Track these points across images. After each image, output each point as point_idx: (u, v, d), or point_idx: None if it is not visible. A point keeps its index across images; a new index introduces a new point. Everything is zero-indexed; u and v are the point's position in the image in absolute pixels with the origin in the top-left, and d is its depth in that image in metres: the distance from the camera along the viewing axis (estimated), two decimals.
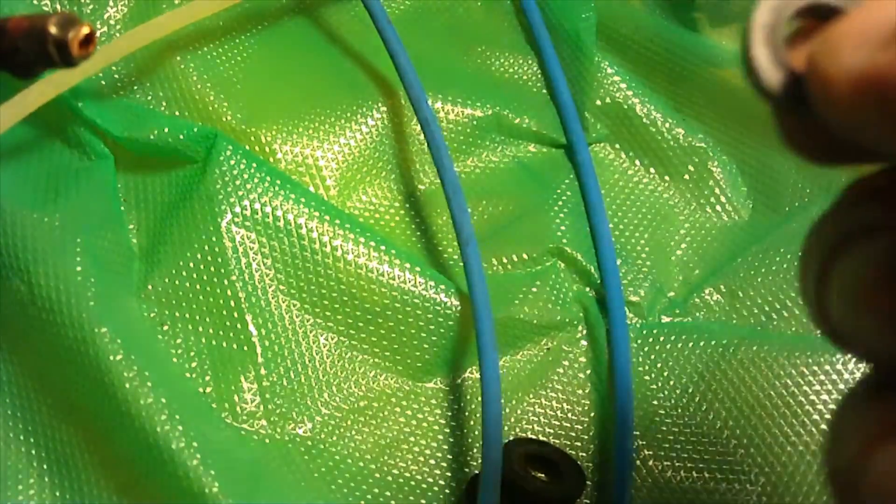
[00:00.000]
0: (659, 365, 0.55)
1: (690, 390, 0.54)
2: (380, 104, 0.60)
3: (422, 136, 0.58)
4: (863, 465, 0.25)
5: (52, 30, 0.34)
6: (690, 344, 0.55)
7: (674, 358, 0.55)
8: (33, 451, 0.48)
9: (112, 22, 0.57)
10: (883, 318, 0.24)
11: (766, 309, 0.57)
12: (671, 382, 0.55)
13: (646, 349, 0.56)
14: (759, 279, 0.58)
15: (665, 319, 0.58)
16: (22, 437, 0.48)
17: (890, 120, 0.21)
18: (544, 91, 0.66)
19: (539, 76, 0.66)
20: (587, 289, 0.58)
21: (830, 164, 0.26)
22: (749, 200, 0.63)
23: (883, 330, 0.24)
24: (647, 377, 0.55)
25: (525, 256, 0.57)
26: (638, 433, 0.53)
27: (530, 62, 0.67)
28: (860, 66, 0.21)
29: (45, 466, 0.47)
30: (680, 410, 0.54)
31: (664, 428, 0.54)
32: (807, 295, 0.27)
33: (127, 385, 0.45)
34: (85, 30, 0.34)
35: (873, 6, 0.22)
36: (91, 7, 0.57)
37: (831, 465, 0.26)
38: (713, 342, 0.55)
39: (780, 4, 0.24)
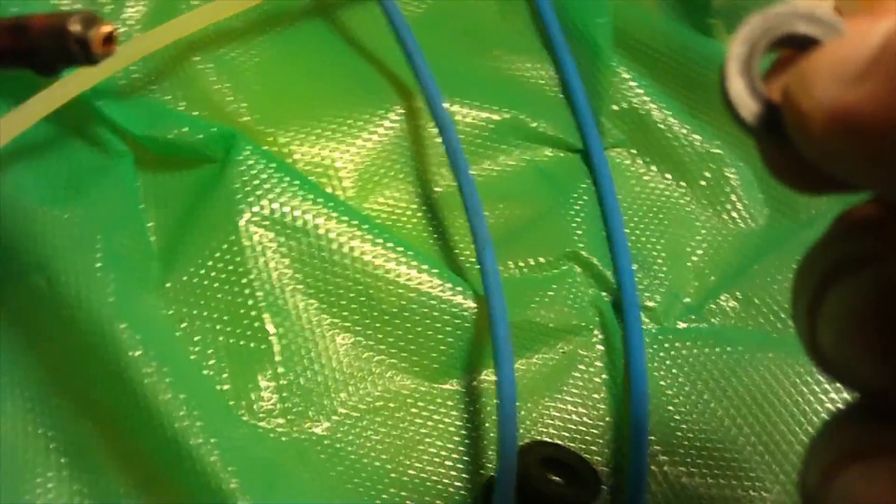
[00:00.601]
0: (674, 370, 0.55)
1: (706, 396, 0.55)
2: (397, 107, 0.60)
3: (438, 139, 0.58)
4: (824, 488, 0.25)
5: (74, 28, 0.34)
6: (706, 350, 0.56)
7: (689, 364, 0.55)
8: (52, 446, 0.48)
9: (131, 22, 0.58)
10: (872, 350, 0.24)
11: (783, 316, 0.58)
12: (686, 388, 0.55)
13: (661, 354, 0.56)
14: (776, 286, 0.59)
15: (680, 325, 0.58)
16: (40, 431, 0.48)
17: (863, 155, 0.21)
18: (560, 95, 0.66)
19: (555, 80, 0.66)
20: (603, 293, 0.58)
21: (813, 192, 0.25)
22: (765, 207, 0.62)
23: (871, 362, 0.24)
24: (662, 382, 0.55)
25: (541, 260, 0.57)
26: (653, 438, 0.53)
27: (546, 66, 0.67)
28: (832, 102, 0.21)
29: (63, 460, 0.47)
30: (695, 416, 0.54)
31: (679, 433, 0.54)
32: (798, 324, 0.27)
33: (146, 381, 0.45)
34: (106, 28, 0.35)
35: (847, 39, 0.23)
36: (110, 7, 0.57)
37: (801, 485, 0.26)
38: (729, 348, 0.55)
39: (755, 35, 0.24)
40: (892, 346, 0.23)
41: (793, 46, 0.25)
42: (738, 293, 0.59)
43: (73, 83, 0.49)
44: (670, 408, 0.54)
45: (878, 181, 0.22)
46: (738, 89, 0.24)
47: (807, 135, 0.22)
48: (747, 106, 0.24)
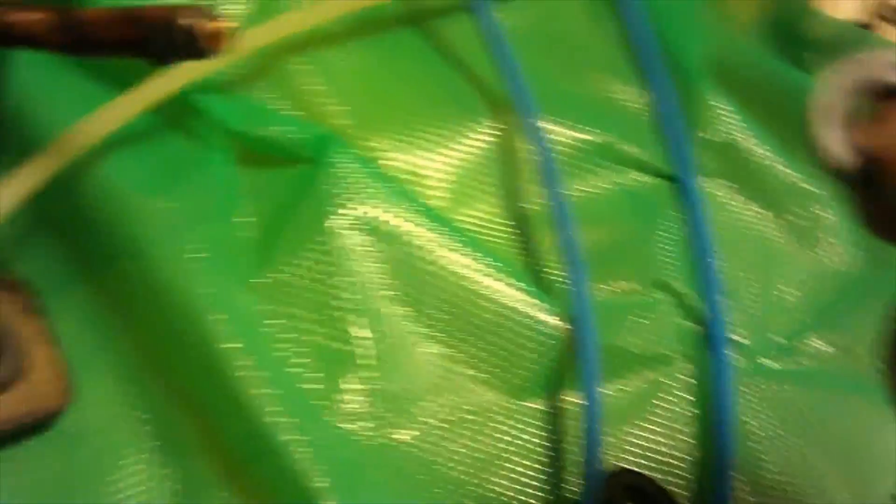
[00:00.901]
0: (761, 408, 0.55)
1: (793, 436, 0.54)
2: (493, 121, 0.59)
3: (531, 156, 0.57)
4: None
5: (187, 21, 0.34)
6: (796, 390, 0.55)
7: (778, 402, 0.55)
8: (143, 428, 0.48)
9: (233, 19, 0.57)
10: None
11: (874, 362, 0.56)
12: (773, 426, 0.54)
13: (748, 390, 0.55)
14: (868, 332, 0.57)
15: (769, 362, 0.57)
16: (133, 413, 0.48)
17: None
18: (653, 120, 0.65)
19: (649, 105, 0.66)
20: (691, 324, 0.57)
21: None
22: (861, 250, 0.61)
23: None
24: (747, 418, 0.54)
25: (630, 286, 0.57)
26: (736, 472, 0.52)
27: (641, 90, 0.66)
28: None
29: (152, 443, 0.48)
30: (781, 455, 0.53)
31: (761, 471, 0.53)
32: (887, 373, 0.26)
33: (238, 374, 0.45)
34: (219, 24, 0.35)
35: None
36: (215, 3, 0.57)
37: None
38: (820, 391, 0.55)
39: (846, 83, 0.23)
40: None
41: (885, 95, 0.24)
42: (830, 336, 0.58)
43: (179, 75, 0.49)
44: (755, 444, 0.53)
45: None
46: (829, 139, 0.24)
47: None
48: (838, 156, 0.23)
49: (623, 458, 0.52)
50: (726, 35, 0.69)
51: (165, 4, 0.37)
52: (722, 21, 0.69)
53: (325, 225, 0.51)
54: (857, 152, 0.23)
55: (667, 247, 0.59)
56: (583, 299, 0.51)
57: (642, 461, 0.52)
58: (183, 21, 0.35)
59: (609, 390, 0.54)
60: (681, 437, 0.53)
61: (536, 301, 0.52)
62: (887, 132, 0.23)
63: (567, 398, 0.53)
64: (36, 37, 0.36)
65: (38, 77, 0.52)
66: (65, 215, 0.51)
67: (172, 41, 0.35)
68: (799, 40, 0.68)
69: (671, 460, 0.53)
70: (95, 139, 0.47)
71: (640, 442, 0.53)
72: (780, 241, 0.62)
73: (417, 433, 0.50)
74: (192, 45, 0.35)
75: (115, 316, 0.50)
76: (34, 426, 0.46)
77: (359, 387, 0.49)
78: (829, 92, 0.24)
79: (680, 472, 0.52)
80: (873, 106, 0.25)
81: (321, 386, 0.49)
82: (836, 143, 0.24)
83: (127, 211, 0.49)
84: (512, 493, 0.50)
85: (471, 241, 0.53)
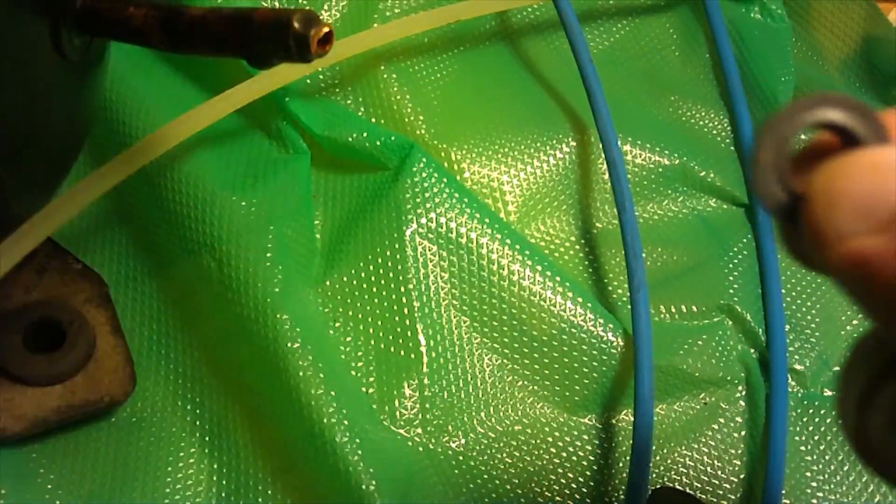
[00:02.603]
0: (816, 437, 0.55)
1: (846, 467, 0.54)
2: (569, 138, 0.60)
3: (606, 176, 0.58)
4: (867, 406, 0.24)
5: (296, 25, 0.35)
6: None
7: (832, 432, 0.55)
8: (197, 422, 0.50)
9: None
10: None
11: None
12: (826, 457, 0.54)
13: (804, 419, 0.55)
14: None
15: (828, 393, 0.57)
16: (189, 407, 0.50)
17: (871, 298, 0.21)
18: (732, 148, 0.66)
19: (729, 132, 0.66)
20: (752, 350, 0.57)
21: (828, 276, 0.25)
22: None
23: None
24: (802, 447, 0.54)
25: (694, 309, 0.57)
26: (787, 502, 0.52)
27: (721, 117, 0.67)
28: (852, 242, 0.21)
29: (206, 438, 0.49)
30: (833, 485, 0.53)
31: (814, 501, 0.53)
32: (845, 413, 0.25)
33: (300, 373, 0.46)
34: (325, 29, 0.35)
35: (885, 167, 0.22)
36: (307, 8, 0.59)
37: (842, 416, 0.25)
38: None
39: (787, 122, 0.23)
40: None
41: (830, 132, 0.24)
42: None
43: (274, 78, 0.51)
44: (808, 473, 0.54)
45: (878, 319, 0.22)
46: (766, 174, 0.24)
47: (821, 254, 0.22)
48: (772, 193, 0.24)
49: (672, 477, 0.53)
50: (813, 69, 0.69)
51: (272, 7, 0.39)
52: (810, 55, 0.69)
53: (400, 233, 0.52)
54: (787, 191, 0.24)
55: (734, 273, 0.59)
56: (642, 320, 0.52)
57: (694, 482, 0.53)
58: (297, 25, 0.35)
59: (664, 410, 0.54)
60: (734, 460, 0.54)
61: (600, 318, 0.53)
62: (813, 176, 0.23)
63: (623, 417, 0.54)
64: (144, 32, 0.37)
65: (129, 73, 0.54)
66: (141, 209, 0.53)
67: (284, 43, 0.36)
68: (887, 79, 0.68)
69: (720, 482, 0.53)
70: (185, 137, 0.48)
71: (690, 462, 0.53)
72: None
73: (469, 443, 0.51)
74: (303, 48, 0.35)
75: (176, 310, 0.52)
76: (94, 414, 0.47)
77: (416, 393, 0.50)
78: (771, 129, 0.24)
79: (729, 496, 0.53)
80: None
81: (381, 391, 0.50)
82: (771, 180, 0.24)
83: (208, 207, 0.50)
84: None
85: (539, 256, 0.54)
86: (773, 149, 0.24)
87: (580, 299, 0.53)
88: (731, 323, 0.57)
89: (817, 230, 0.22)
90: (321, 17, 0.35)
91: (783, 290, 0.59)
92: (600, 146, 0.57)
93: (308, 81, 0.57)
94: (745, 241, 0.61)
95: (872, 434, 0.24)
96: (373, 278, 0.52)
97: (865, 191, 0.21)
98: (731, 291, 0.58)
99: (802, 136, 0.24)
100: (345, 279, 0.52)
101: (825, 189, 0.22)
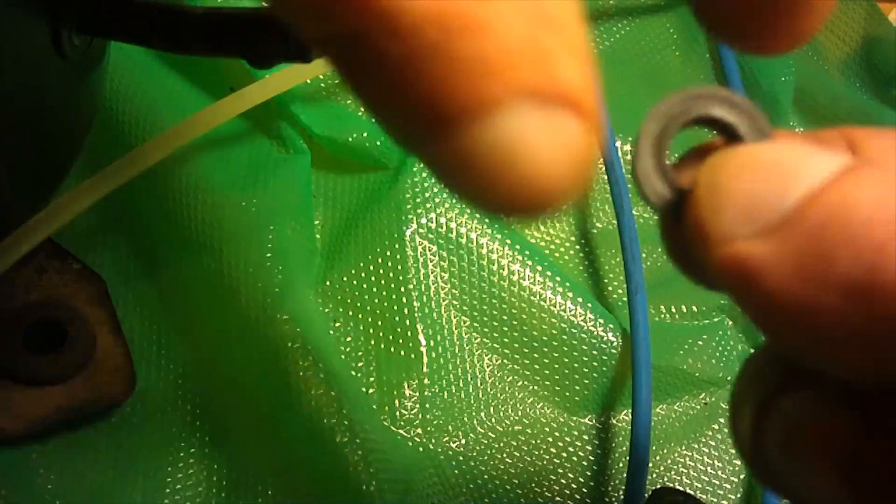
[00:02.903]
0: None
1: None
2: None
3: (605, 177, 0.58)
4: (761, 423, 0.24)
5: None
6: None
7: None
8: (197, 422, 0.49)
9: None
10: (826, 469, 0.22)
11: None
12: None
13: None
14: None
15: None
16: (189, 407, 0.50)
17: (752, 303, 0.20)
18: None
19: None
20: (752, 350, 0.57)
21: (707, 286, 0.24)
22: None
23: (822, 479, 0.22)
24: None
25: (694, 309, 0.57)
26: (787, 501, 0.52)
27: None
28: (737, 246, 0.20)
29: (206, 438, 0.49)
30: None
31: None
32: (739, 432, 0.24)
33: (301, 373, 0.46)
34: None
35: (773, 167, 0.21)
36: None
37: (735, 435, 0.25)
38: None
39: (670, 114, 0.23)
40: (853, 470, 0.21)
41: (712, 128, 0.23)
42: None
43: (280, 80, 0.51)
44: None
45: (762, 326, 0.20)
46: (647, 168, 0.23)
47: (704, 255, 0.21)
48: (653, 187, 0.23)
49: (672, 477, 0.53)
50: (813, 69, 0.68)
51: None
52: (810, 55, 0.69)
53: (400, 233, 0.52)
54: (670, 186, 0.23)
55: None
56: (640, 322, 0.52)
57: (694, 483, 0.53)
58: None
59: (664, 410, 0.54)
60: (734, 461, 0.54)
61: (600, 318, 0.53)
62: (697, 172, 0.22)
63: (623, 417, 0.54)
64: (144, 32, 0.37)
65: (129, 73, 0.54)
66: (141, 209, 0.53)
67: (284, 43, 0.36)
68: (888, 79, 0.68)
69: (720, 482, 0.53)
70: (188, 140, 0.48)
71: (692, 463, 0.53)
72: None
73: (469, 443, 0.51)
74: (303, 48, 0.35)
75: (176, 310, 0.52)
76: (94, 414, 0.47)
77: (416, 394, 0.50)
78: (653, 121, 0.23)
79: (730, 496, 0.53)
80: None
81: (381, 390, 0.50)
82: (652, 174, 0.23)
83: (209, 207, 0.50)
84: None
85: (539, 256, 0.54)
86: (655, 142, 0.23)
87: (580, 299, 0.53)
88: (731, 323, 0.57)
89: (699, 229, 0.21)
90: None
91: None
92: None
93: (308, 82, 0.57)
94: None
95: (769, 452, 0.23)
96: (373, 278, 0.52)
97: (750, 190, 0.20)
98: None
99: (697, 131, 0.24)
100: (345, 279, 0.52)
101: (710, 185, 0.21)
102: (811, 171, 0.20)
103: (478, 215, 0.53)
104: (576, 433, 0.53)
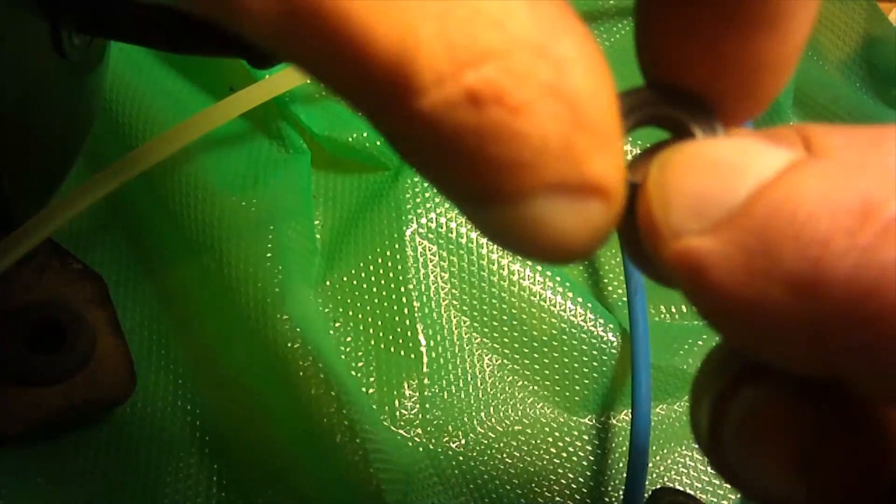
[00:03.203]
0: None
1: None
2: None
3: None
4: (719, 414, 0.23)
5: None
6: None
7: None
8: (197, 423, 0.50)
9: None
10: (781, 462, 0.22)
11: None
12: None
13: None
14: None
15: None
16: (189, 407, 0.50)
17: (702, 300, 0.20)
18: None
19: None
20: None
21: (662, 283, 0.24)
22: None
23: (780, 474, 0.22)
24: None
25: (694, 309, 0.57)
26: None
27: None
28: (686, 242, 0.20)
29: (206, 438, 0.49)
30: None
31: None
32: (698, 429, 0.24)
33: (301, 373, 0.46)
34: None
35: (723, 162, 0.20)
36: None
37: (694, 426, 0.25)
38: None
39: (621, 112, 0.22)
40: (808, 460, 0.21)
41: (664, 126, 0.23)
42: None
43: (281, 81, 0.51)
44: None
45: (712, 322, 0.20)
46: None
47: (654, 251, 0.21)
48: None
49: (672, 477, 0.53)
50: (813, 68, 0.68)
51: None
52: (810, 55, 0.69)
53: (399, 233, 0.52)
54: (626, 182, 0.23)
55: None
56: (639, 322, 0.52)
57: (695, 482, 0.53)
58: None
59: (665, 410, 0.54)
60: None
61: (600, 318, 0.53)
62: (649, 167, 0.22)
63: (623, 417, 0.54)
64: (144, 32, 0.37)
65: (129, 73, 0.54)
66: (141, 209, 0.53)
67: None
68: (888, 80, 0.68)
69: (720, 482, 0.53)
70: (188, 141, 0.48)
71: (690, 462, 0.53)
72: None
73: (469, 443, 0.51)
74: None
75: (176, 310, 0.52)
76: (94, 414, 0.47)
77: (416, 394, 0.50)
78: None
79: (728, 496, 0.53)
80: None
81: (381, 390, 0.50)
82: None
83: (209, 207, 0.50)
84: None
85: None
86: None
87: (580, 299, 0.53)
88: None
89: (649, 224, 0.21)
90: None
91: None
92: None
93: (308, 82, 0.57)
94: None
95: (727, 448, 0.23)
96: (373, 278, 0.52)
97: (698, 186, 0.20)
98: None
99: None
100: (345, 279, 0.52)
101: (659, 180, 0.21)
102: (760, 166, 0.20)
103: None
104: (576, 433, 0.53)
